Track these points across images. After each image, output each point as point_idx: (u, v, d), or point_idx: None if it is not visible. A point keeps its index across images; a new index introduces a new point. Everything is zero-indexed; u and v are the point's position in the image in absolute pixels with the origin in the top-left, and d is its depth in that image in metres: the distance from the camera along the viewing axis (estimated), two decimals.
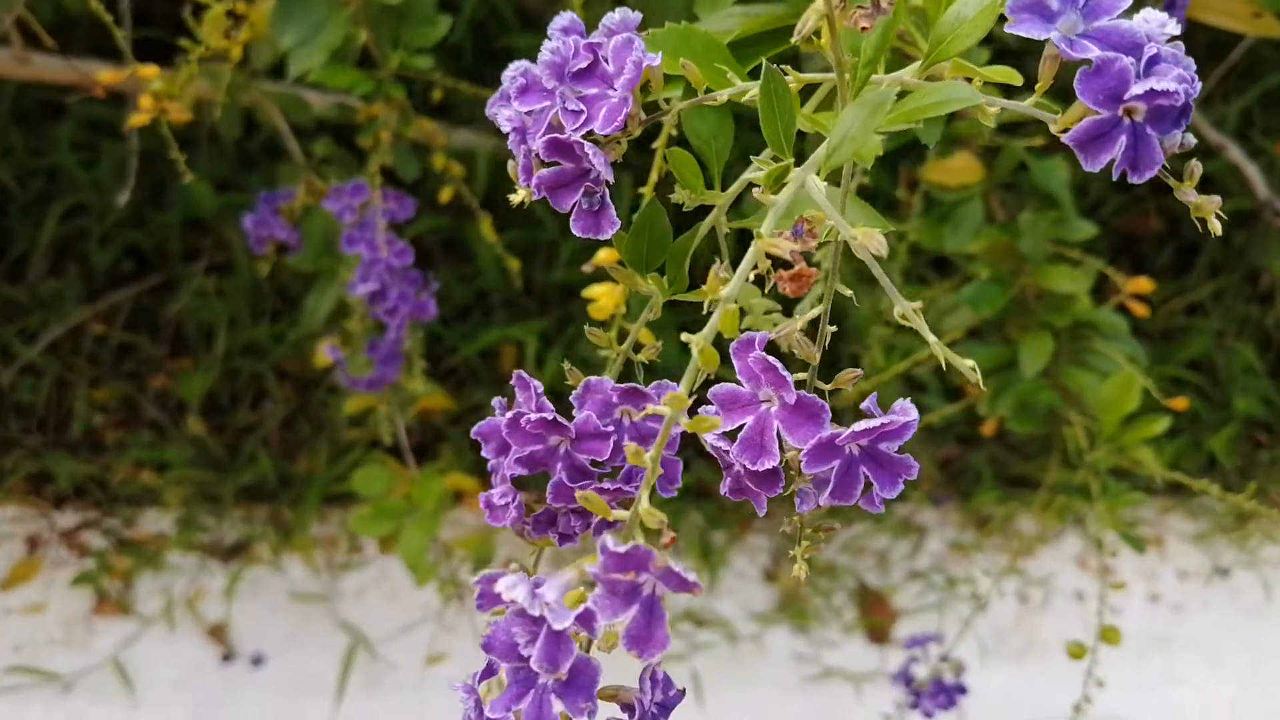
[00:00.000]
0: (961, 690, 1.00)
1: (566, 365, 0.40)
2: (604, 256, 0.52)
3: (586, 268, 0.52)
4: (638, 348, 0.42)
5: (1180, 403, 0.95)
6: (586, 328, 0.43)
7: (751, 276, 0.29)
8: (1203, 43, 1.67)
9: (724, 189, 0.39)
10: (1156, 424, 0.87)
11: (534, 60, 1.32)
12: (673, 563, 0.28)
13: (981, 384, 0.30)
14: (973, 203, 0.92)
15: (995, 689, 1.73)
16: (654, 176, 0.44)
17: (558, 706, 0.29)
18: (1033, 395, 0.89)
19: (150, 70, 0.90)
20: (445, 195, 1.02)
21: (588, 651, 0.29)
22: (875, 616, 1.82)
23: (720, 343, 0.31)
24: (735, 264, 0.44)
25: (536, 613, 0.28)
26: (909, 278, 0.99)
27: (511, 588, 0.28)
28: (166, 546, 1.73)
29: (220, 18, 0.94)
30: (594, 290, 0.55)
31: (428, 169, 1.02)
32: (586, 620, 0.28)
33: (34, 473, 1.79)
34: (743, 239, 0.46)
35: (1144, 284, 0.98)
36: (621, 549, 0.27)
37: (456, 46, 1.74)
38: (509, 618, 0.29)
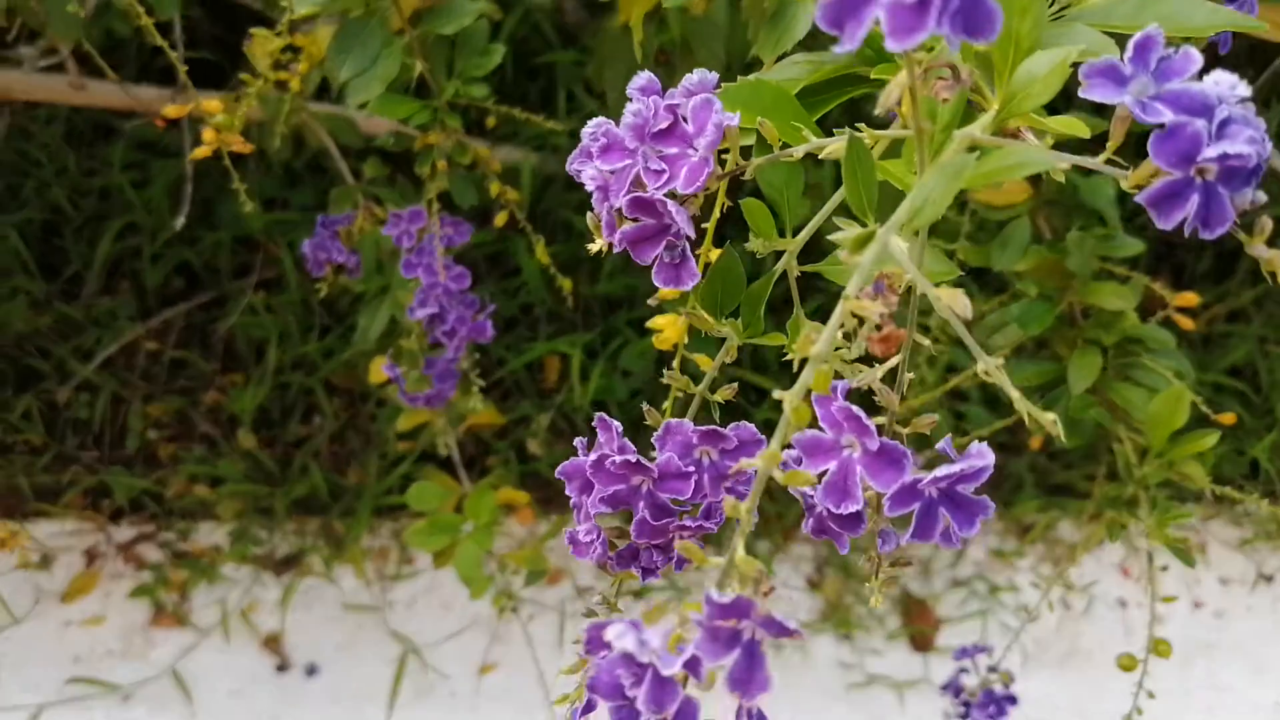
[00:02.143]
0: (1012, 700, 1.01)
1: (645, 407, 0.42)
2: (665, 293, 0.54)
3: (651, 302, 0.54)
4: (715, 386, 0.44)
5: (1228, 418, 0.95)
6: (666, 370, 0.45)
7: (844, 334, 0.31)
8: (1243, 47, 1.67)
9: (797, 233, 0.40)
10: (1206, 439, 0.88)
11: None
12: (773, 611, 0.29)
13: (1064, 437, 0.31)
14: (1020, 221, 0.93)
15: (1036, 696, 1.74)
16: (714, 218, 0.45)
17: None
18: (1081, 411, 0.90)
19: (213, 104, 0.93)
20: (500, 220, 1.04)
21: (684, 686, 0.31)
22: (918, 624, 1.83)
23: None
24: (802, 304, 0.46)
25: (645, 660, 0.30)
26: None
27: (620, 636, 0.30)
28: (221, 559, 1.76)
29: (275, 52, 0.96)
30: (658, 322, 0.57)
31: (481, 192, 1.04)
32: (693, 666, 0.30)
33: (91, 487, 1.83)
34: (808, 281, 0.48)
35: (1190, 298, 0.99)
36: (725, 599, 0.29)
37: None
38: (613, 659, 0.31)
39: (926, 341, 0.36)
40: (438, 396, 1.08)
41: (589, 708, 0.35)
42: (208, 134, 0.91)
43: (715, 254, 0.47)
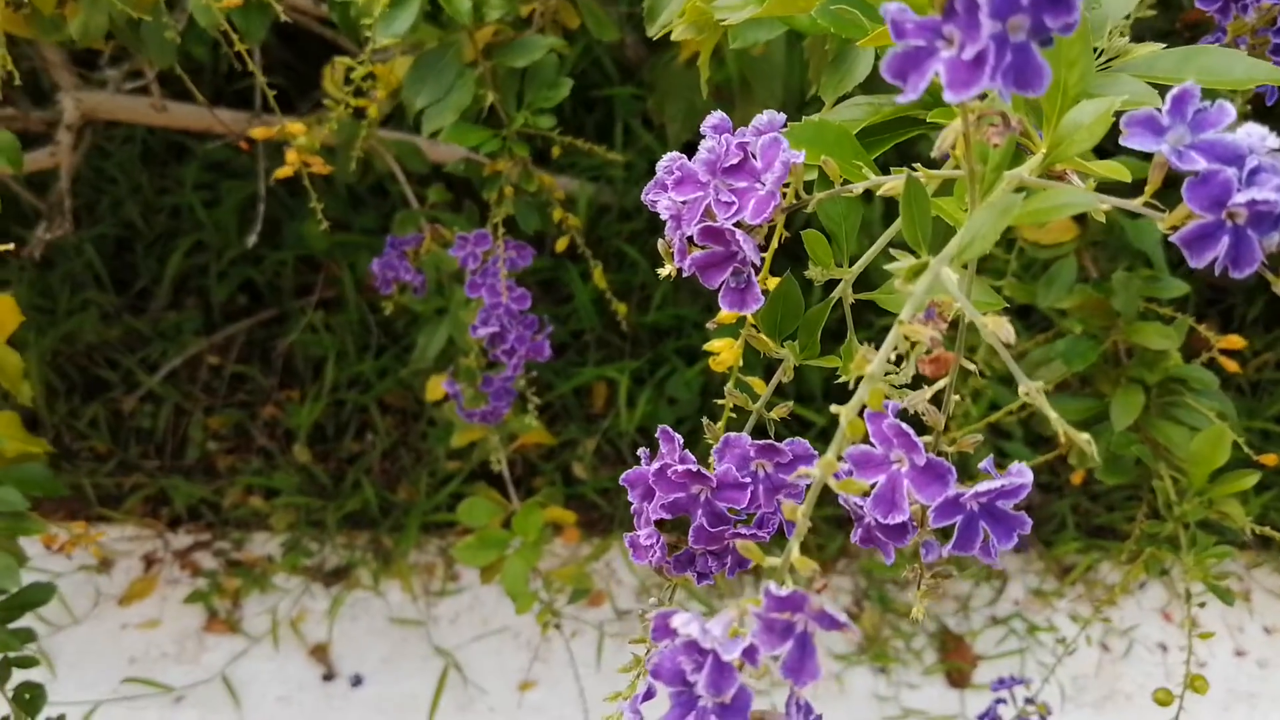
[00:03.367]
0: None
1: (705, 421, 0.45)
2: (724, 317, 0.57)
3: (710, 325, 0.57)
4: (770, 406, 0.46)
5: (1270, 458, 0.96)
6: (726, 388, 0.48)
7: (893, 356, 0.34)
8: None
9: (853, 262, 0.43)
10: (1246, 479, 0.89)
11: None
12: (826, 605, 0.32)
13: (1100, 465, 0.34)
14: (1067, 260, 0.96)
15: None
16: (773, 248, 0.48)
17: None
18: (1123, 448, 0.91)
19: (297, 127, 0.98)
20: (561, 244, 1.08)
21: (744, 678, 0.34)
22: (955, 660, 1.83)
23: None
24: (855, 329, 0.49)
25: (707, 646, 0.33)
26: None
27: (686, 624, 0.33)
28: (273, 569, 1.81)
29: (356, 79, 1.01)
30: (715, 345, 0.60)
31: (543, 218, 1.08)
32: (750, 654, 0.32)
33: (151, 495, 1.89)
34: (858, 312, 0.50)
35: (1235, 340, 1.00)
36: (783, 593, 0.32)
37: None
38: (676, 648, 0.34)
39: (973, 366, 0.39)
40: (493, 413, 1.12)
41: (649, 695, 0.37)
42: (290, 155, 0.96)
43: (773, 281, 0.50)
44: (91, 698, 1.61)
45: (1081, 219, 0.97)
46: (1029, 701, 1.05)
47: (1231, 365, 1.03)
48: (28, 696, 0.95)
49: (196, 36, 1.49)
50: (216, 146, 1.86)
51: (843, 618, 0.32)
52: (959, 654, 1.85)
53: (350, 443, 1.95)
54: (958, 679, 1.84)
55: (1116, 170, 0.37)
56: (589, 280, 1.84)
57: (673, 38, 0.64)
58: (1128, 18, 0.53)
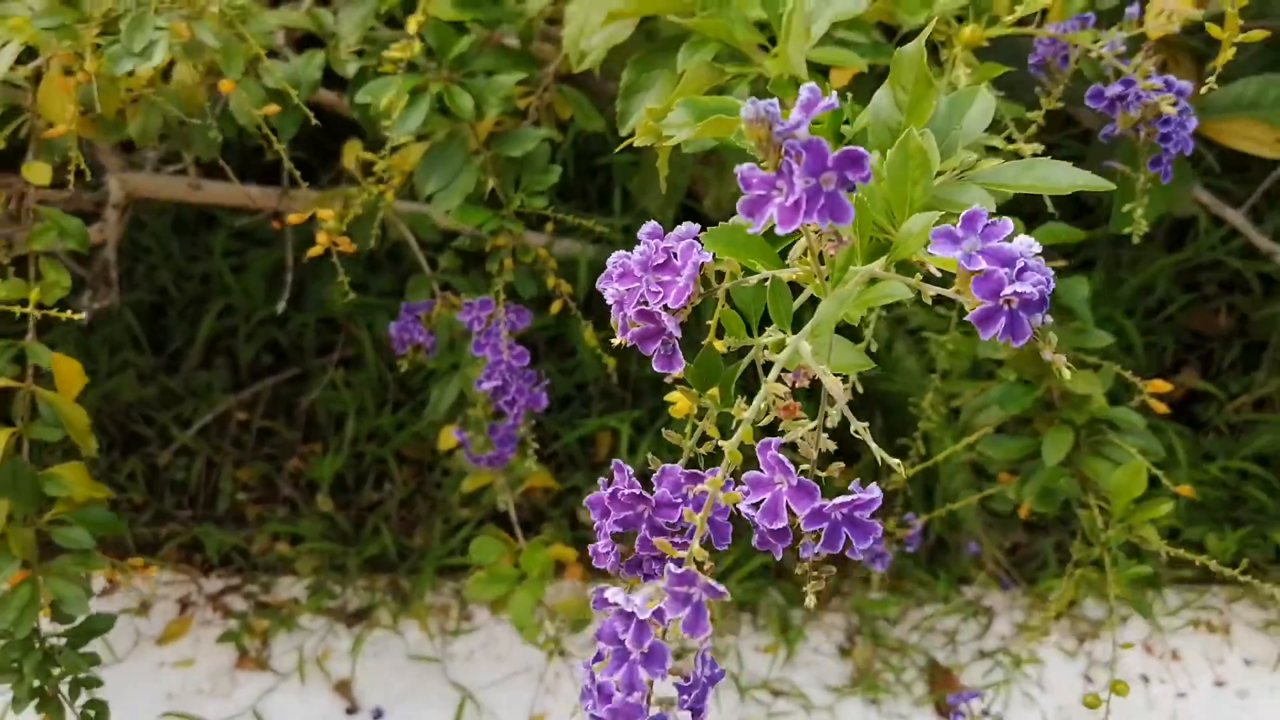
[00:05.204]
0: None
1: (650, 455, 0.57)
2: (674, 398, 0.70)
3: (668, 380, 0.70)
4: (701, 442, 0.59)
5: (1185, 489, 1.08)
6: (664, 431, 0.60)
7: (765, 406, 0.46)
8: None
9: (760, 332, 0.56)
10: (1161, 506, 1.01)
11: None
12: (710, 581, 0.45)
13: (904, 473, 0.46)
14: None
15: None
16: (713, 322, 0.60)
17: (643, 673, 0.46)
18: (1053, 481, 1.03)
19: (326, 213, 1.13)
20: (555, 308, 1.22)
21: (662, 639, 0.46)
22: (943, 691, 1.92)
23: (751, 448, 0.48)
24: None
25: (629, 610, 0.45)
26: (947, 377, 1.15)
27: (615, 595, 0.45)
28: (299, 610, 1.93)
29: (376, 161, 1.15)
30: (673, 396, 0.73)
31: (541, 284, 1.22)
32: (659, 615, 0.45)
33: (185, 543, 2.02)
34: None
35: (1160, 385, 1.12)
36: (680, 571, 0.45)
37: (561, 162, 1.97)
38: (612, 617, 0.46)
39: (838, 418, 0.50)
40: (499, 458, 1.25)
41: (598, 658, 0.50)
42: (321, 236, 1.11)
43: (718, 344, 0.62)
44: None
45: None
46: (985, 714, 1.15)
47: (1160, 407, 1.14)
48: (93, 714, 1.07)
49: (227, 120, 1.64)
50: (241, 216, 2.01)
51: (721, 588, 0.45)
52: (946, 685, 1.95)
53: (370, 492, 2.08)
54: (945, 709, 1.93)
55: (946, 263, 0.50)
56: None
57: (634, 144, 0.77)
58: (993, 128, 0.66)
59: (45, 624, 1.13)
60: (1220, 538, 2.07)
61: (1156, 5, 0.95)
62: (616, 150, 0.84)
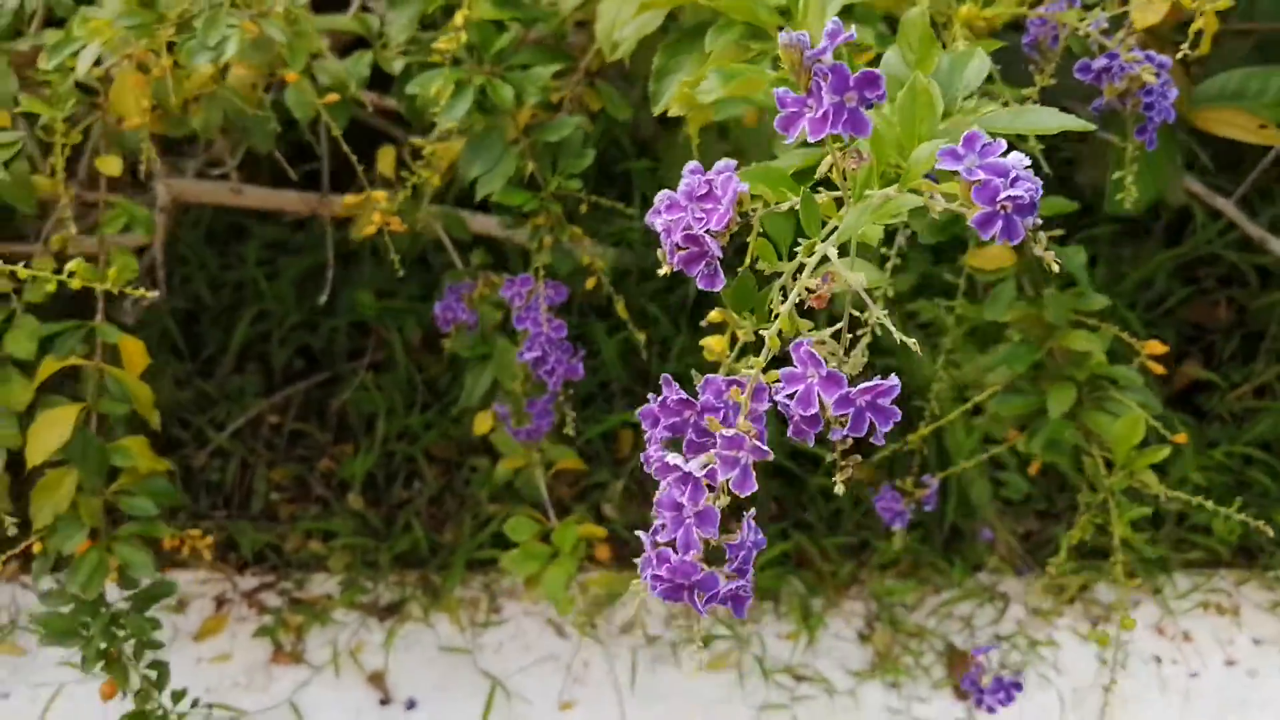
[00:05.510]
0: (1018, 687, 1.19)
1: (693, 371, 0.64)
2: (714, 316, 0.78)
3: (704, 322, 0.78)
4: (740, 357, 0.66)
5: (1180, 437, 1.15)
6: (702, 341, 0.68)
7: (797, 301, 0.53)
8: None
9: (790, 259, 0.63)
10: (1159, 452, 1.08)
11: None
12: (758, 443, 0.52)
13: (918, 349, 0.52)
14: (1007, 282, 1.16)
15: None
16: (751, 251, 0.67)
17: (697, 533, 0.53)
18: (1059, 433, 1.11)
19: (380, 194, 1.22)
20: (590, 284, 1.31)
21: (714, 504, 0.53)
22: (961, 674, 1.97)
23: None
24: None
25: (687, 470, 0.52)
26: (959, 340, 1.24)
27: (675, 458, 0.52)
28: (332, 605, 1.99)
29: (394, 164, 1.24)
30: (708, 340, 0.81)
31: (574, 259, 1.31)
32: (711, 475, 0.52)
33: (220, 541, 2.08)
34: None
35: (1157, 346, 1.19)
36: (729, 433, 0.52)
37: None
38: (671, 483, 0.53)
39: (859, 313, 0.57)
40: (536, 431, 1.33)
41: (657, 530, 0.56)
42: (376, 215, 1.20)
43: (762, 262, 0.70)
44: None
45: (1019, 248, 1.18)
46: (1002, 665, 1.21)
47: (1157, 369, 1.21)
48: (155, 674, 1.14)
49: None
50: (274, 226, 2.09)
51: (766, 449, 0.52)
52: (964, 669, 2.00)
53: (400, 490, 2.15)
54: (963, 692, 1.99)
55: (951, 188, 0.57)
56: (614, 335, 2.06)
57: (670, 114, 0.85)
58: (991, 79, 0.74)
59: (111, 591, 1.20)
60: (1224, 520, 2.13)
61: None
62: (655, 113, 0.92)
